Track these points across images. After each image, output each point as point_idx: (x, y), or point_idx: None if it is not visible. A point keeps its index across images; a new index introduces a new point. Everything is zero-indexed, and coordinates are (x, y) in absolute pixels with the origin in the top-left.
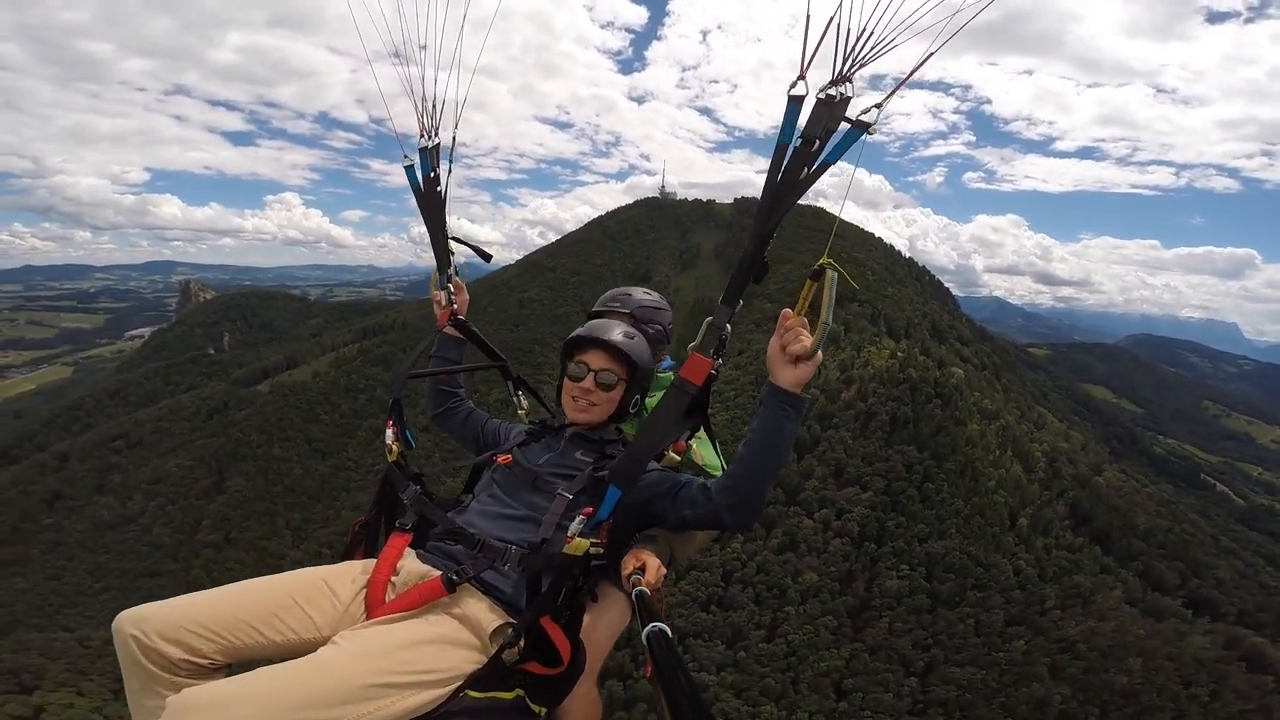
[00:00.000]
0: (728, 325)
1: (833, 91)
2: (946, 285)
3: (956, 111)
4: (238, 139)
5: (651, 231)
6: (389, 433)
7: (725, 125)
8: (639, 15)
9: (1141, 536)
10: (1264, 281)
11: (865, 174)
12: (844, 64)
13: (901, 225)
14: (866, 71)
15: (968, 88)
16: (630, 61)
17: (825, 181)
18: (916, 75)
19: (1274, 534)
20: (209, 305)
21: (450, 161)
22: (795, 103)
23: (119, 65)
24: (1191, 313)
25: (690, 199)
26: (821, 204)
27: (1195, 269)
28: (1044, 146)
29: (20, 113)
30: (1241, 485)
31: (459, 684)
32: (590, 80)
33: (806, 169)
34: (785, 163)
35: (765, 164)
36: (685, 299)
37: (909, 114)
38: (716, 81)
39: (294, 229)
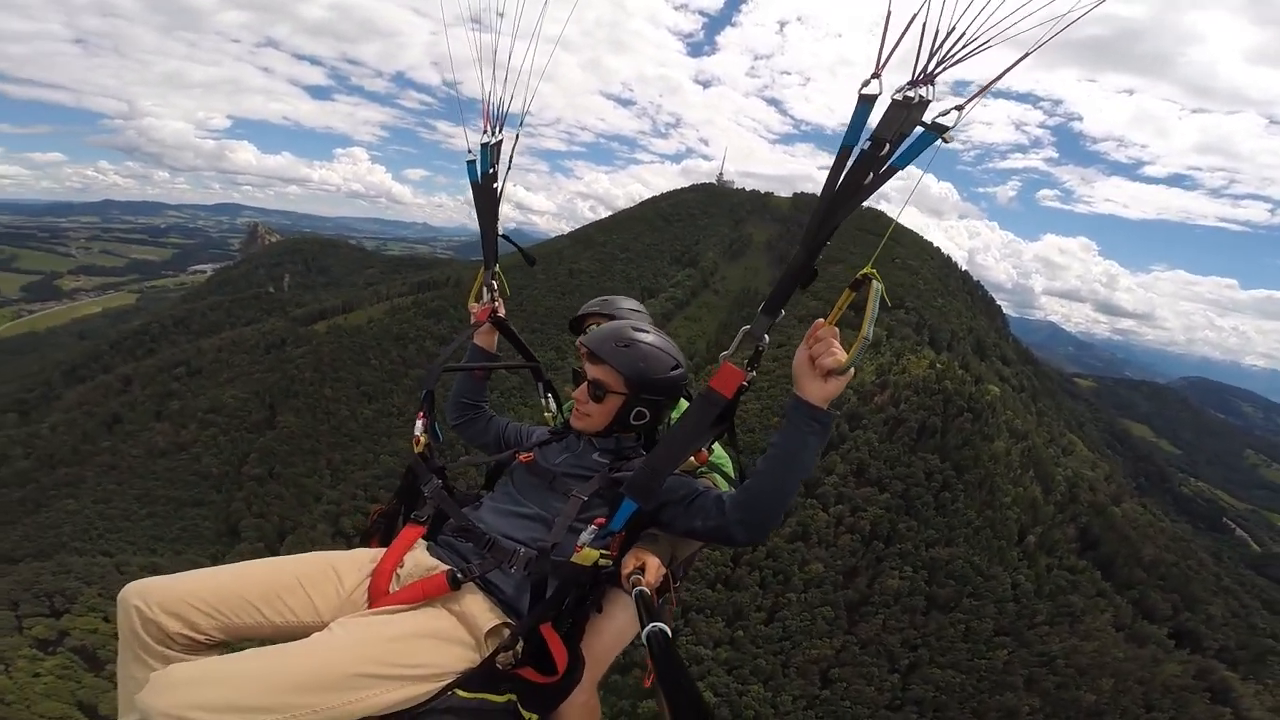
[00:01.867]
0: (766, 336)
1: (911, 93)
2: (1000, 303)
3: (1042, 126)
4: (317, 93)
5: (705, 217)
6: (419, 424)
7: (792, 118)
8: (716, 0)
9: (1145, 567)
10: None
11: (932, 180)
12: (928, 64)
13: (963, 236)
14: (949, 75)
15: (1059, 102)
16: (700, 45)
17: (891, 184)
18: (1004, 84)
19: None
20: (274, 247)
21: (510, 161)
22: (866, 102)
23: (217, 16)
24: (1256, 360)
25: (747, 189)
26: (882, 206)
27: (1271, 314)
28: (1131, 170)
29: (124, 58)
30: (1262, 533)
31: (448, 682)
32: (658, 60)
33: (873, 173)
34: (850, 165)
35: (829, 160)
36: (731, 288)
37: (990, 123)
38: (789, 73)
39: (358, 182)
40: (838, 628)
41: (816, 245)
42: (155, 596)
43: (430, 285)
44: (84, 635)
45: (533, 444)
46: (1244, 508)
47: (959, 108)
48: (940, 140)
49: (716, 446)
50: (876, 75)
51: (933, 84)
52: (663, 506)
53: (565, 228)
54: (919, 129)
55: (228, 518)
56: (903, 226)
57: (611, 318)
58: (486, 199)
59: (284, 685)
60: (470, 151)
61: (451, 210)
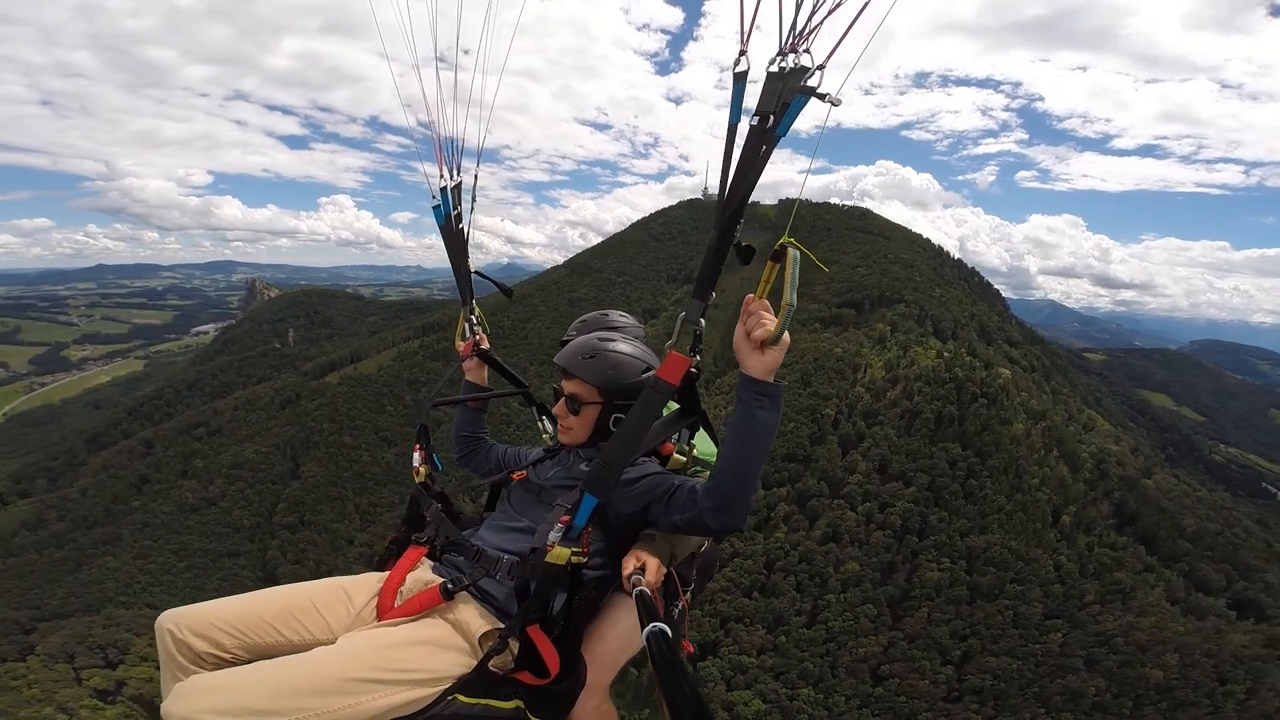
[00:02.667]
0: (701, 320)
1: (784, 63)
2: (998, 287)
3: (1007, 109)
4: (293, 142)
5: (695, 232)
6: (416, 456)
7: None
8: (675, 17)
9: (1189, 538)
10: None
11: (913, 173)
12: (794, 30)
13: (951, 225)
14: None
15: (1018, 84)
16: (667, 63)
17: (871, 180)
18: (960, 70)
19: None
20: (274, 303)
21: (474, 201)
22: (740, 80)
23: (182, 72)
24: (1264, 318)
25: None
26: (867, 204)
27: (1269, 271)
28: (1101, 144)
29: (94, 118)
30: None
31: (446, 686)
32: (628, 82)
33: (764, 145)
34: (743, 143)
35: (805, 163)
36: (730, 299)
37: (957, 111)
38: (756, 82)
39: (346, 230)
40: (882, 624)
41: (728, 224)
42: (185, 621)
43: (434, 328)
44: (140, 685)
45: (527, 463)
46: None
47: (820, 68)
48: (829, 104)
49: (701, 440)
50: (743, 52)
51: (807, 50)
52: (648, 505)
53: (558, 258)
54: (797, 96)
55: (264, 565)
56: (890, 222)
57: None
58: (455, 240)
59: (289, 690)
60: (434, 197)
61: (443, 252)
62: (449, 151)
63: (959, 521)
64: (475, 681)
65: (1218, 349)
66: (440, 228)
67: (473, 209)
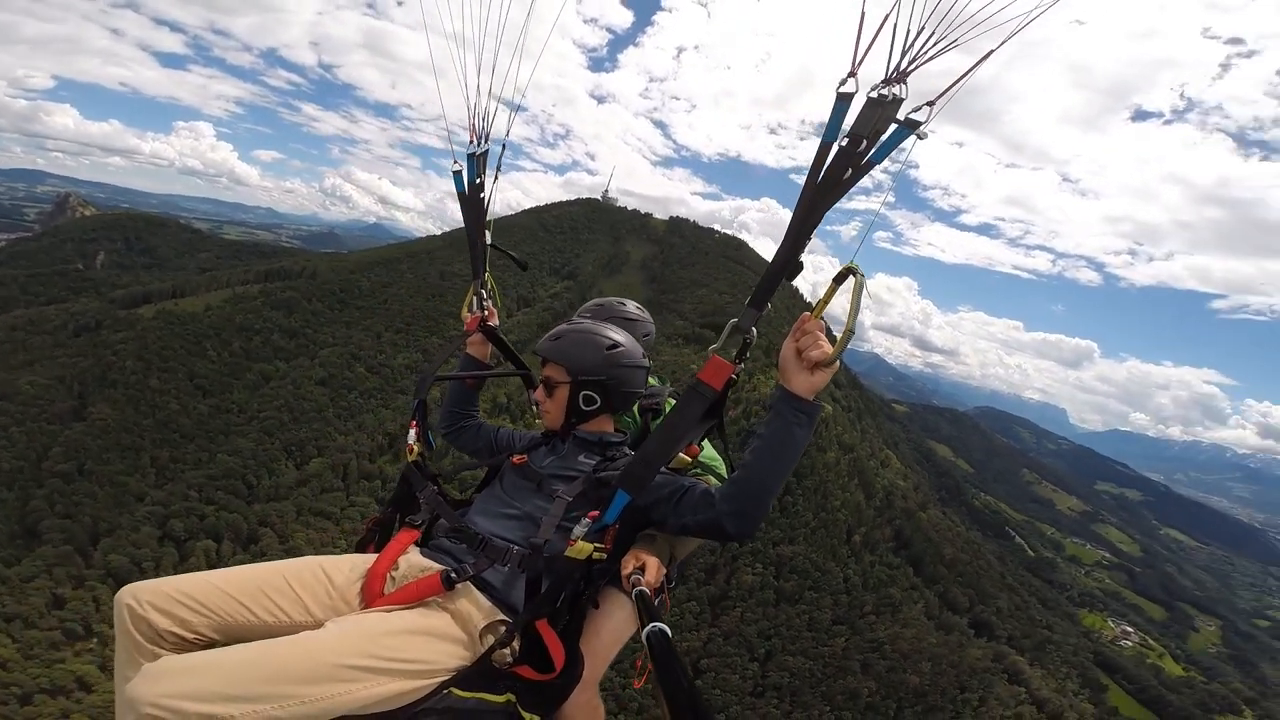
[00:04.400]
0: (754, 329)
1: (885, 91)
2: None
3: (885, 171)
4: (168, 60)
5: (587, 231)
6: (411, 433)
7: (675, 142)
8: (624, 18)
9: (946, 565)
10: (1096, 375)
11: (788, 215)
12: (900, 62)
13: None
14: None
15: (901, 150)
16: (602, 60)
17: (752, 214)
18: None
19: (1050, 581)
20: (85, 221)
21: (498, 169)
22: (843, 100)
23: None
24: (1033, 394)
25: (629, 208)
26: (744, 235)
27: (1045, 354)
28: (951, 217)
29: None
30: (1035, 541)
31: (442, 679)
32: (558, 70)
33: (851, 168)
34: (829, 161)
35: (703, 186)
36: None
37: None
38: (678, 98)
39: (196, 159)
40: (703, 621)
41: (800, 238)
42: (146, 595)
43: (280, 275)
44: None
45: (523, 447)
46: (1021, 518)
47: (930, 104)
48: (916, 136)
49: (708, 447)
50: (853, 74)
51: (905, 83)
52: (654, 505)
53: (432, 227)
54: (894, 125)
55: (23, 518)
56: (761, 257)
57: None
58: (473, 209)
59: (273, 675)
60: (456, 162)
61: (303, 197)
62: (478, 118)
63: (773, 531)
64: (472, 675)
65: (993, 415)
66: (460, 195)
67: (496, 179)
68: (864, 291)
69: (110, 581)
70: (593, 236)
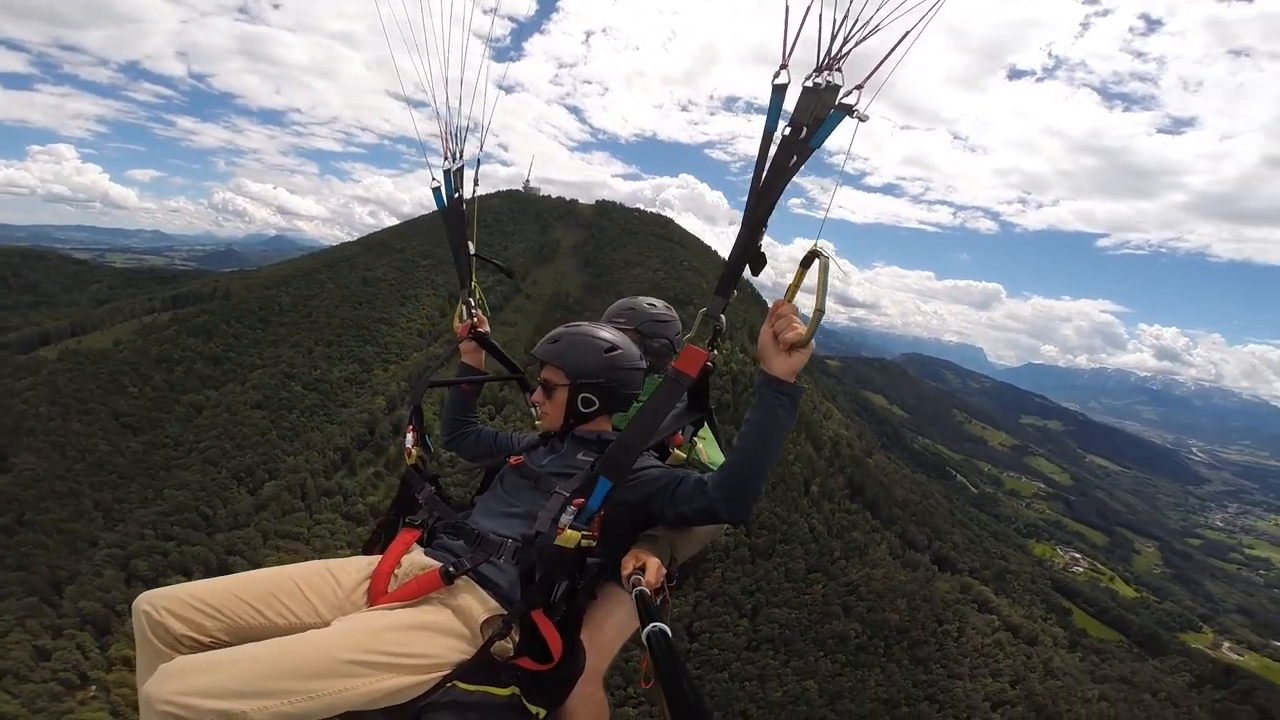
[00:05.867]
0: (722, 316)
1: (819, 79)
2: (765, 299)
3: (829, 152)
4: (11, 81)
5: (512, 223)
6: (409, 437)
7: (591, 126)
8: (528, 5)
9: (900, 506)
10: (1005, 314)
11: (708, 189)
12: (830, 49)
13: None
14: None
15: (847, 134)
16: (507, 50)
17: (673, 191)
18: (766, 101)
19: (995, 515)
20: None
21: (475, 183)
22: (779, 91)
23: None
24: (951, 337)
25: (553, 196)
26: (667, 213)
27: (957, 299)
28: (857, 180)
29: None
30: (976, 478)
31: (446, 673)
32: (458, 62)
33: (795, 155)
34: (774, 151)
35: (624, 168)
36: (544, 291)
37: (753, 137)
38: (590, 82)
39: (61, 184)
40: (688, 585)
41: (755, 226)
42: (163, 602)
43: (189, 299)
44: None
45: (522, 448)
46: (959, 458)
47: (859, 87)
48: (856, 119)
49: (710, 449)
50: (784, 65)
51: (839, 69)
52: (651, 497)
53: (340, 233)
54: (831, 111)
55: None
56: (687, 232)
57: (635, 329)
58: (455, 222)
59: (281, 671)
60: (434, 179)
61: (192, 216)
62: (450, 136)
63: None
64: (475, 668)
65: (919, 360)
66: (440, 210)
67: (474, 192)
68: (830, 271)
69: (89, 628)
70: (519, 227)
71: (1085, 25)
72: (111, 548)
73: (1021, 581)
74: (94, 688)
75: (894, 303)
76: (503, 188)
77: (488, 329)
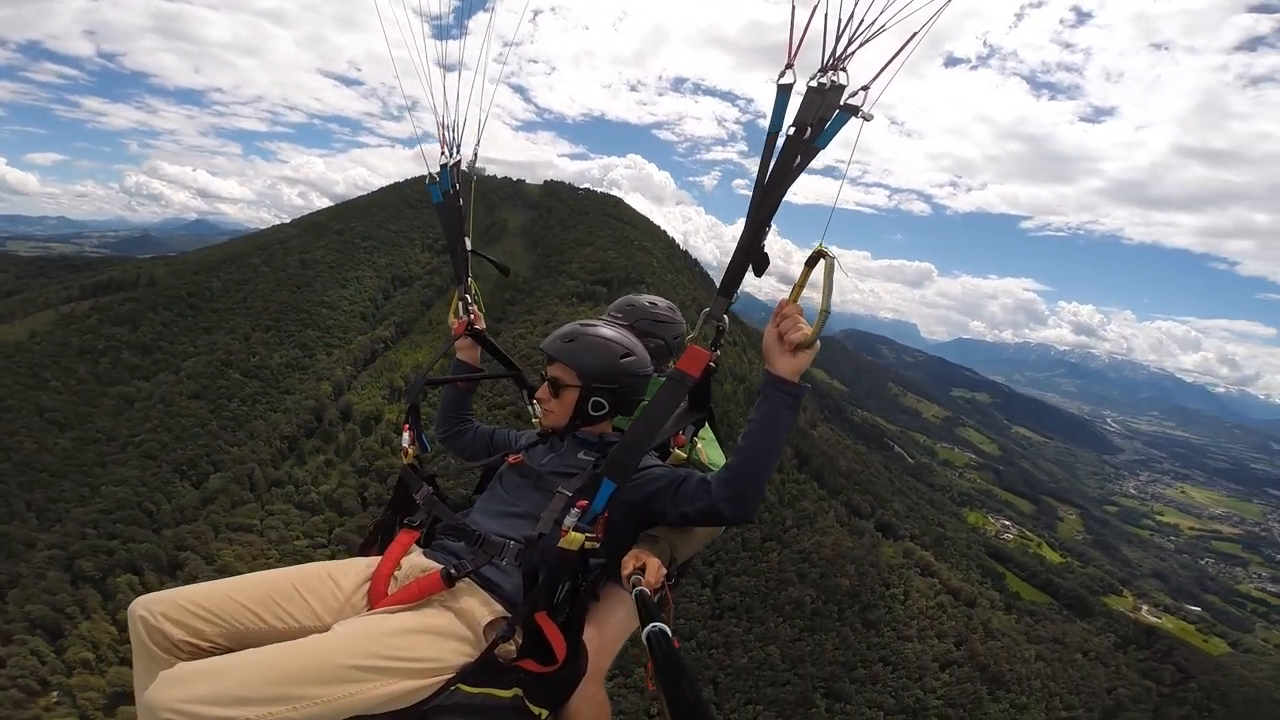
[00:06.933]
0: (725, 316)
1: (824, 79)
2: (712, 278)
3: (737, 121)
4: None
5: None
6: (405, 436)
7: (536, 106)
8: None
9: (844, 476)
10: (936, 291)
11: (655, 169)
12: (835, 49)
13: (679, 221)
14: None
15: (750, 100)
16: (448, 28)
17: (620, 171)
18: (711, 82)
19: (931, 484)
20: None
21: (473, 178)
22: (784, 91)
23: None
24: (886, 314)
25: (500, 176)
26: (615, 193)
27: (892, 277)
28: None
29: None
30: (912, 449)
31: (449, 676)
32: (398, 40)
33: (800, 156)
34: (778, 151)
35: (570, 148)
36: (492, 272)
37: (699, 118)
38: (536, 61)
39: None
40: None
41: (758, 226)
42: (159, 607)
43: (111, 287)
44: None
45: (520, 446)
46: (895, 429)
47: (864, 88)
48: (860, 119)
49: (711, 450)
50: (790, 66)
51: (844, 69)
52: (653, 496)
53: (268, 216)
54: (836, 111)
55: None
56: (636, 212)
57: (631, 325)
58: (452, 217)
59: (286, 677)
60: (431, 176)
61: (101, 201)
62: (447, 129)
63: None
64: (478, 670)
65: (856, 336)
66: (436, 206)
67: (472, 189)
68: (835, 272)
69: (40, 633)
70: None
71: (1020, 16)
72: (52, 549)
73: (958, 547)
74: (56, 693)
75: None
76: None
77: (483, 325)
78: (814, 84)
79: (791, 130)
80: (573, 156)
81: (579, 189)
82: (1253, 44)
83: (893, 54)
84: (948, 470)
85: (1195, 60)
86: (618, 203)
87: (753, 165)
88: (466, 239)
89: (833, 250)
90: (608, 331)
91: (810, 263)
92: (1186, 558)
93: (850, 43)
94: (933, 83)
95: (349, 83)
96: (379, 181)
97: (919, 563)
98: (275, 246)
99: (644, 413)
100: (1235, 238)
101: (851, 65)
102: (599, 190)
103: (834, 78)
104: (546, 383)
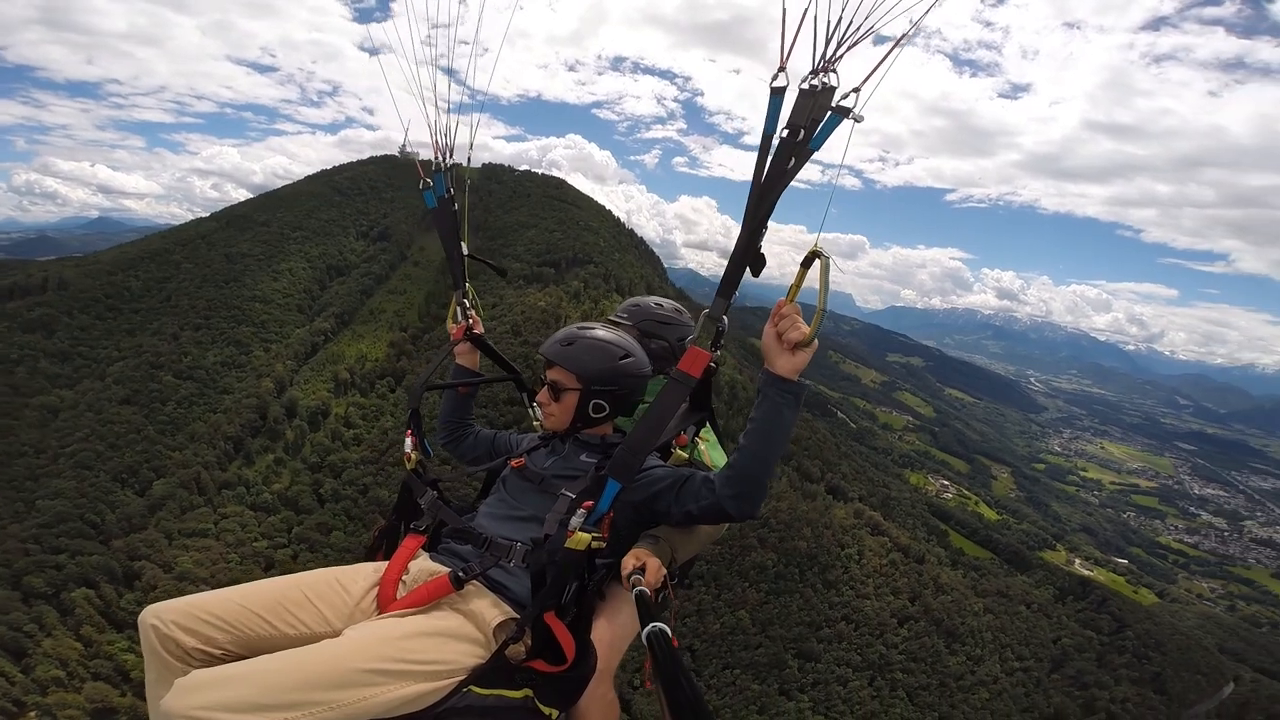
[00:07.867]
0: (724, 317)
1: (815, 81)
2: (656, 255)
3: (676, 100)
4: None
5: (390, 189)
6: (408, 441)
7: (467, 88)
8: None
9: (793, 441)
10: (869, 262)
11: (596, 149)
12: (825, 52)
13: (621, 200)
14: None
15: (689, 79)
16: (371, 11)
17: (560, 152)
18: (649, 60)
19: (874, 448)
20: None
21: (467, 183)
22: (777, 94)
23: None
24: None
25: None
26: (555, 173)
27: (827, 251)
28: (736, 139)
29: None
30: (853, 414)
31: (461, 678)
32: (313, 24)
33: (794, 158)
34: (772, 154)
35: (504, 130)
36: (432, 258)
37: (639, 97)
38: (466, 43)
39: None
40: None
41: (755, 228)
42: (170, 615)
43: (18, 292)
44: None
45: (523, 450)
46: (837, 395)
47: (855, 90)
48: (852, 121)
49: (714, 451)
50: (782, 69)
51: (835, 70)
52: (657, 495)
53: (179, 210)
54: (829, 113)
55: None
56: (580, 193)
57: (634, 326)
58: (447, 221)
59: (300, 683)
60: (425, 181)
61: (5, 203)
62: (441, 134)
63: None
64: (489, 672)
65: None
66: (432, 210)
67: (465, 193)
68: (829, 273)
69: (2, 653)
70: (398, 194)
71: None
72: None
73: (903, 507)
74: (34, 713)
75: (771, 255)
76: (370, 153)
77: (482, 330)
78: (805, 87)
79: (785, 133)
80: (509, 138)
81: (520, 171)
82: (1156, 24)
83: (882, 57)
84: (888, 433)
85: (1104, 39)
86: (560, 184)
87: (691, 142)
88: (463, 243)
89: (829, 250)
90: (605, 334)
91: (806, 263)
92: (1110, 511)
93: (840, 45)
94: (863, 60)
95: (262, 69)
96: (301, 170)
97: (869, 523)
98: (197, 241)
99: (647, 413)
100: (1139, 207)
101: (841, 67)
102: (539, 172)
103: (825, 80)
104: (546, 386)
